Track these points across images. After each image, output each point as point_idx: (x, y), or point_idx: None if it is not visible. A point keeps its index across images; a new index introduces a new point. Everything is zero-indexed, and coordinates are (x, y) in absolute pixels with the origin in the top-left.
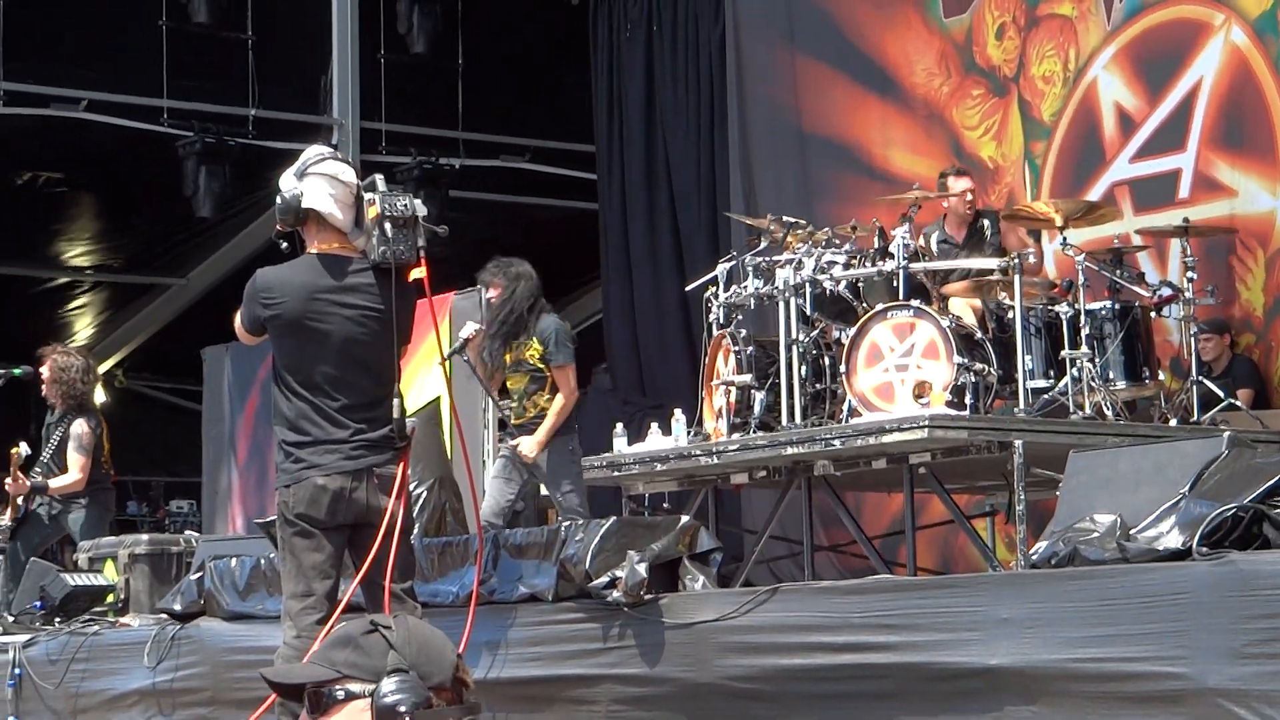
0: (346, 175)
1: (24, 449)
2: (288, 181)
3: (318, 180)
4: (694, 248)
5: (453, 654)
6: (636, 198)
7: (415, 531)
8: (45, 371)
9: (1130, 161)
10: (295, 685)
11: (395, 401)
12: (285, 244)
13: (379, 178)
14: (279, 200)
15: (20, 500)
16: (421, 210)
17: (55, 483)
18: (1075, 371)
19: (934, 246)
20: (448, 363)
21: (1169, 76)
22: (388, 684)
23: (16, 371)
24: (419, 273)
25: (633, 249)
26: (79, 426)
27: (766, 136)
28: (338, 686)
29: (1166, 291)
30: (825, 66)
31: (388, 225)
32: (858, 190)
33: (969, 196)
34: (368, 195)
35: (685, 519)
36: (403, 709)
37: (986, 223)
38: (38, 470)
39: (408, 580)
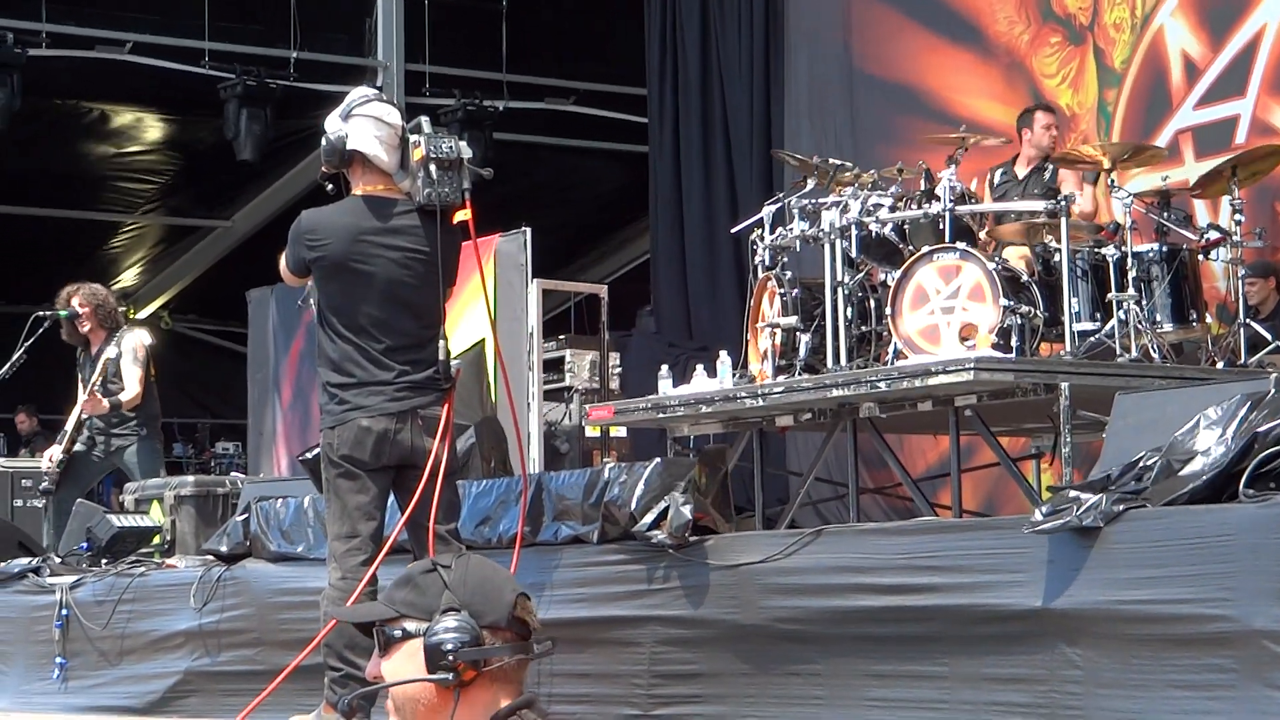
0: (392, 117)
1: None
2: (333, 123)
3: (363, 122)
4: (747, 191)
5: (512, 593)
6: (689, 141)
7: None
8: (80, 303)
9: (1194, 108)
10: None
11: (440, 343)
12: (331, 186)
13: (425, 119)
14: (324, 142)
15: (67, 444)
16: (466, 152)
17: (124, 397)
18: (1122, 314)
19: (995, 179)
20: (492, 307)
21: (1231, 23)
22: (438, 623)
23: (63, 314)
24: (464, 215)
25: (684, 192)
26: (129, 341)
27: (826, 81)
28: (395, 626)
29: (1214, 234)
30: (892, 11)
31: (433, 167)
32: (924, 136)
33: (1054, 131)
34: (413, 137)
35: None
36: (448, 648)
37: (1051, 167)
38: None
39: (452, 522)
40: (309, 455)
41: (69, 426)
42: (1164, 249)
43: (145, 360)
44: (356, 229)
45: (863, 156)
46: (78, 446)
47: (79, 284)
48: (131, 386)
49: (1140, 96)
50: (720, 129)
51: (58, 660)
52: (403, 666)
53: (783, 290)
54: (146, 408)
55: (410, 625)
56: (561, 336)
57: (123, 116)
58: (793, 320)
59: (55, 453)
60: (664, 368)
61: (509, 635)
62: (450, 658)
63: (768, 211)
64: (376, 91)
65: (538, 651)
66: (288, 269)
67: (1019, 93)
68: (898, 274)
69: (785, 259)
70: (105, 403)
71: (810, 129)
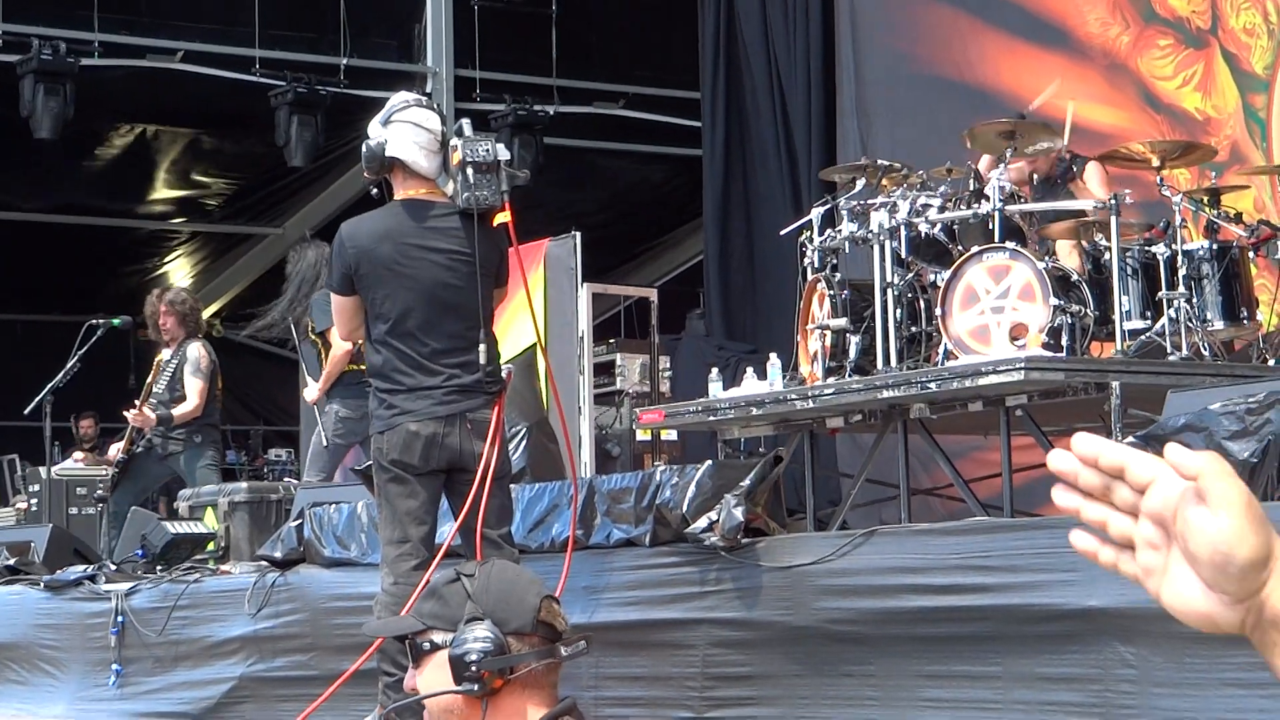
0: (431, 122)
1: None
2: (374, 130)
3: (402, 128)
4: (805, 194)
5: (536, 598)
6: (742, 143)
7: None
8: (159, 305)
9: None
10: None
11: (483, 346)
12: (376, 190)
13: (465, 123)
14: (364, 149)
15: (126, 444)
16: (504, 155)
17: (177, 411)
18: (1172, 312)
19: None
20: (534, 310)
21: None
22: (462, 634)
23: (116, 322)
24: (504, 217)
25: (735, 194)
26: (194, 351)
27: (884, 84)
28: (424, 638)
29: (1264, 230)
30: (959, 13)
31: (469, 170)
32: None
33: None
34: (452, 141)
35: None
36: (471, 658)
37: (1065, 176)
38: (154, 403)
39: (504, 525)
40: (362, 465)
41: (132, 420)
42: (1214, 246)
43: (209, 373)
44: (397, 233)
45: (937, 158)
46: (138, 449)
47: (164, 288)
48: (191, 398)
49: None
50: (777, 131)
51: (114, 667)
52: (433, 678)
53: (832, 292)
54: (203, 418)
55: (438, 637)
56: (612, 340)
57: (173, 125)
58: (842, 322)
59: (116, 451)
60: (714, 370)
61: (535, 640)
62: (474, 668)
63: (816, 213)
64: (417, 96)
65: (566, 654)
66: (335, 293)
67: (1126, 94)
68: (947, 274)
69: (834, 260)
70: (153, 417)
71: (857, 130)
